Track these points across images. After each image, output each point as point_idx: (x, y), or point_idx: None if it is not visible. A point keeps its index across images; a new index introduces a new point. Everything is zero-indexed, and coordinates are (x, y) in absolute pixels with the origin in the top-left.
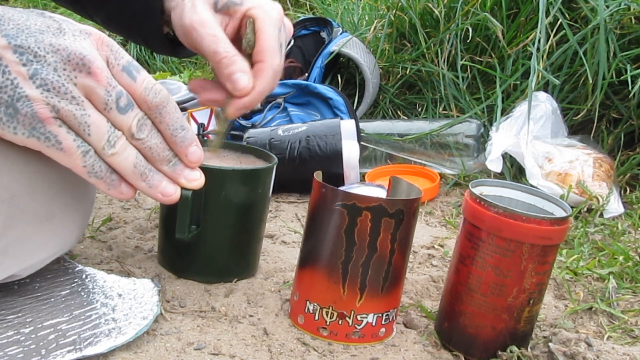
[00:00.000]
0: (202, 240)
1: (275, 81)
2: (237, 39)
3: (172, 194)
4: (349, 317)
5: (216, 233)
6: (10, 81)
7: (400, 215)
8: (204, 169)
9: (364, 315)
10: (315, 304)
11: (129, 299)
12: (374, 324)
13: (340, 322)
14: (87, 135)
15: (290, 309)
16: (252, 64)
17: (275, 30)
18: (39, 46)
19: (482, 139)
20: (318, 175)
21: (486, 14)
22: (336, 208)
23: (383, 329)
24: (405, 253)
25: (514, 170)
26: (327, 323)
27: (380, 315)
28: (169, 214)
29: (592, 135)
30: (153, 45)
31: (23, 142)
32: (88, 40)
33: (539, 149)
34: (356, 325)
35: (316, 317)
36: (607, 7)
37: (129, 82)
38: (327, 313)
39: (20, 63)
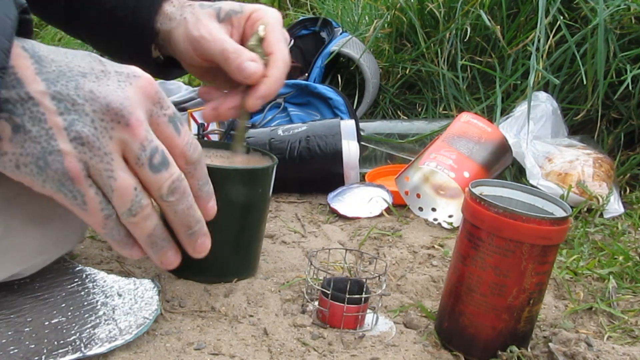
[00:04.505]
0: None
1: (286, 70)
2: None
3: (171, 264)
4: None
5: (216, 233)
6: (46, 131)
7: None
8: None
9: None
10: None
11: (129, 299)
12: None
13: None
14: (109, 197)
15: None
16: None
17: (279, 27)
18: (78, 93)
19: None
20: None
21: (480, 11)
22: None
23: None
24: None
25: (514, 170)
26: None
27: None
28: None
29: (593, 135)
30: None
31: (51, 195)
32: (132, 87)
33: (539, 149)
34: None
35: None
36: (607, 7)
37: (173, 135)
38: None
39: (58, 112)
